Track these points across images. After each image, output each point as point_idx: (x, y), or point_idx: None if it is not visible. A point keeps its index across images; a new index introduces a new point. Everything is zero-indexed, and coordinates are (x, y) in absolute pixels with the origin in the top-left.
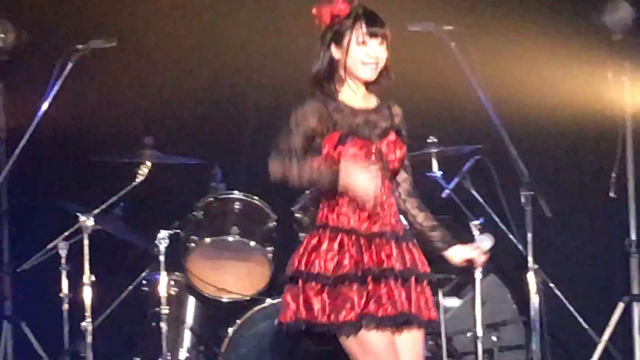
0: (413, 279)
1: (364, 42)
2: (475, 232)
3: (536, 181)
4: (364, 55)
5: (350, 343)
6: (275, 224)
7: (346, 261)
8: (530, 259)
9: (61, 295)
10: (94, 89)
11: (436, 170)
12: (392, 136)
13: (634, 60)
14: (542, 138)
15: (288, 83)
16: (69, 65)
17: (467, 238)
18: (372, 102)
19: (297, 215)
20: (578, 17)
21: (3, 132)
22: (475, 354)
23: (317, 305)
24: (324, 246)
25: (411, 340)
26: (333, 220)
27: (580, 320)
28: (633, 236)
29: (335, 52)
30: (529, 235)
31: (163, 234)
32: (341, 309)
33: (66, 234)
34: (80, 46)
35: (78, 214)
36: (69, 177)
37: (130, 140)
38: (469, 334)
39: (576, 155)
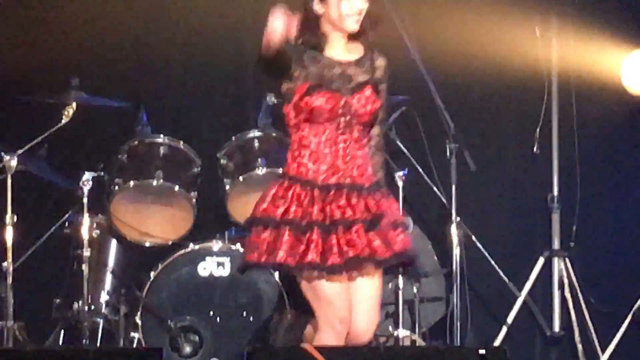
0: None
1: None
2: (399, 183)
3: (461, 134)
4: (347, 7)
5: (303, 286)
6: (199, 169)
7: (292, 209)
8: (453, 211)
9: None
10: (21, 29)
11: None
12: (367, 91)
13: (560, 17)
14: (469, 92)
15: (217, 25)
16: None
17: (391, 189)
18: (354, 54)
19: (222, 161)
20: None
21: None
22: (396, 304)
23: (263, 246)
24: (279, 193)
25: (366, 284)
26: (293, 170)
27: (501, 273)
28: (555, 192)
29: (318, 6)
30: (453, 188)
31: (87, 175)
32: (278, 250)
33: None
34: None
35: (2, 153)
36: None
37: (56, 81)
38: (390, 285)
39: (502, 110)
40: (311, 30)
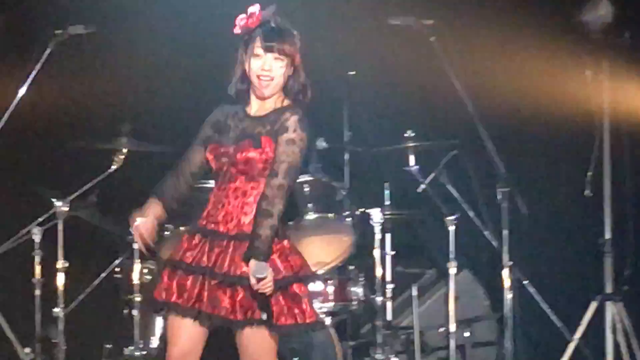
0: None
1: (259, 55)
2: (450, 227)
3: (512, 178)
4: (259, 68)
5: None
6: None
7: (180, 252)
8: (505, 255)
9: (34, 280)
10: (72, 75)
11: (413, 164)
12: (251, 142)
13: (612, 59)
14: (519, 135)
15: None
16: (47, 51)
17: (442, 233)
18: (268, 109)
19: None
20: (558, 15)
21: None
22: (448, 349)
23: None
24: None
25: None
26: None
27: (553, 318)
28: (607, 235)
29: (242, 57)
30: (505, 232)
31: (138, 221)
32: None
33: (40, 219)
34: (58, 32)
35: (53, 199)
36: (45, 163)
37: (107, 127)
38: (441, 330)
39: (553, 153)
40: (242, 83)
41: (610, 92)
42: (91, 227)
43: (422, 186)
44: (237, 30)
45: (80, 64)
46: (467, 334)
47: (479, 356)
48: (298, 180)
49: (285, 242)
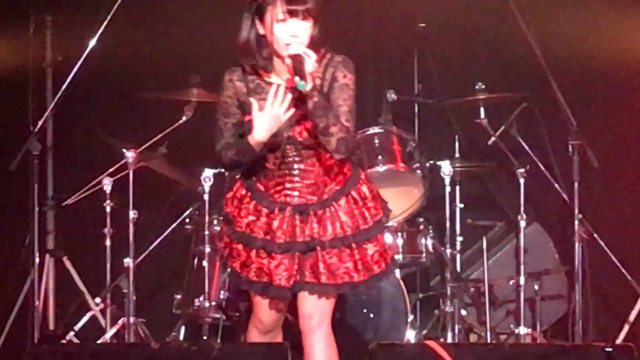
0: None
1: (283, 20)
2: (521, 180)
3: (584, 131)
4: (285, 34)
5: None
6: None
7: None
8: (575, 209)
9: (105, 231)
10: (142, 26)
11: (483, 117)
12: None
13: None
14: (591, 89)
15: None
16: (118, 1)
17: (513, 185)
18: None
19: None
20: None
21: (50, 67)
22: (517, 302)
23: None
24: None
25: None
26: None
27: (624, 271)
28: None
29: (259, 27)
30: (575, 185)
31: (207, 172)
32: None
33: (111, 170)
34: None
35: (123, 150)
36: (115, 114)
37: (177, 78)
38: (511, 282)
39: (624, 106)
40: (257, 51)
41: None
42: (161, 178)
43: (493, 139)
44: None
45: (150, 15)
46: (536, 287)
47: (549, 309)
48: (368, 133)
49: (364, 186)
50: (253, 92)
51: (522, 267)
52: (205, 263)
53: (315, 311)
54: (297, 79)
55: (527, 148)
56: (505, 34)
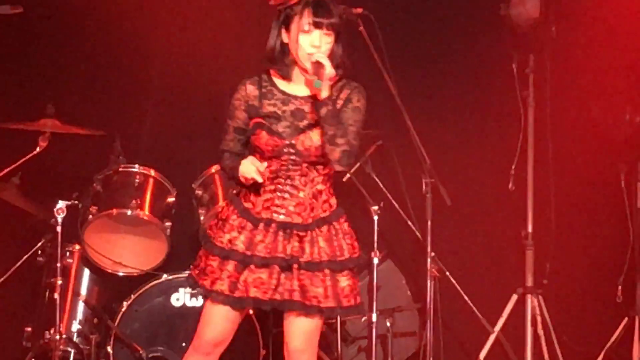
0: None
1: (308, 31)
2: (375, 217)
3: (437, 170)
4: (308, 45)
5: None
6: (174, 199)
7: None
8: (428, 246)
9: None
10: None
11: None
12: (315, 133)
13: (537, 54)
14: (445, 127)
15: (194, 53)
16: None
17: (366, 222)
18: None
19: (197, 192)
20: (486, 9)
21: None
22: (369, 338)
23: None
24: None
25: (292, 323)
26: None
27: (474, 309)
28: (529, 229)
29: (285, 36)
30: (429, 223)
31: (61, 204)
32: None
33: None
34: None
35: None
36: None
37: (31, 108)
38: (363, 319)
39: (477, 146)
40: (280, 58)
41: (534, 86)
42: (14, 209)
43: (347, 175)
44: (272, 2)
45: (5, 44)
46: (388, 324)
47: (401, 346)
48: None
49: (346, 224)
50: (263, 96)
51: (374, 303)
52: (56, 295)
53: (300, 333)
54: (314, 78)
55: (381, 185)
56: (361, 70)
